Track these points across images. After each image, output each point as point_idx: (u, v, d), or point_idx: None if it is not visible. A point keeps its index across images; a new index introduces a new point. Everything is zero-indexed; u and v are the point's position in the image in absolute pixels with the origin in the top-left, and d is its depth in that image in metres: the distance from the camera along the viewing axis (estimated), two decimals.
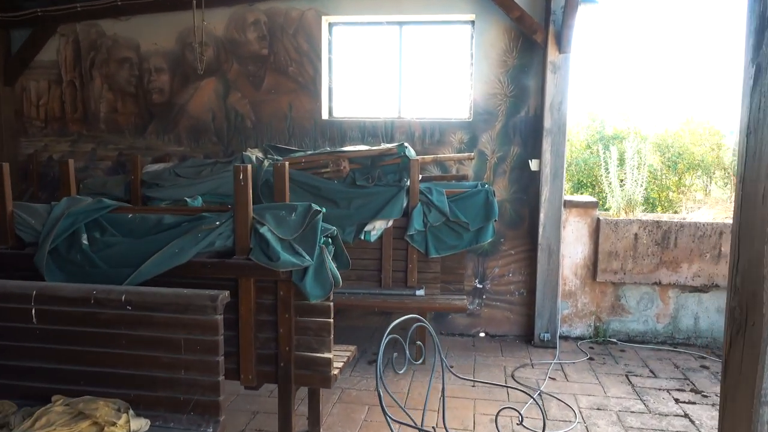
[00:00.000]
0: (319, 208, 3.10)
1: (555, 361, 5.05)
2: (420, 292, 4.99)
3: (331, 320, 3.17)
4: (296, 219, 3.07)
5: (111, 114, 6.20)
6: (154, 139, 6.14)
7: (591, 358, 5.14)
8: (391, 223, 5.04)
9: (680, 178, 8.76)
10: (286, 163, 3.37)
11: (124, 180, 5.47)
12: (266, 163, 5.13)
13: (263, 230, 2.98)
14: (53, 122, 6.32)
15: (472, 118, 5.64)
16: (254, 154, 5.29)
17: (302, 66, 5.82)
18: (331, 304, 3.15)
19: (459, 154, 5.46)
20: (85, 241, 3.13)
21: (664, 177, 8.66)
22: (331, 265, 3.10)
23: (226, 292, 2.68)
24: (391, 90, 5.91)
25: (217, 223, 3.04)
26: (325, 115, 5.89)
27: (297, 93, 5.85)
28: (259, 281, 3.12)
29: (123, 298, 2.70)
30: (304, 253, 2.98)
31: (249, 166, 3.00)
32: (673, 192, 8.62)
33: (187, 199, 3.47)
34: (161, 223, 3.17)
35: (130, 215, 3.28)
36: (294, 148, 5.64)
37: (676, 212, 7.78)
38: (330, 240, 3.23)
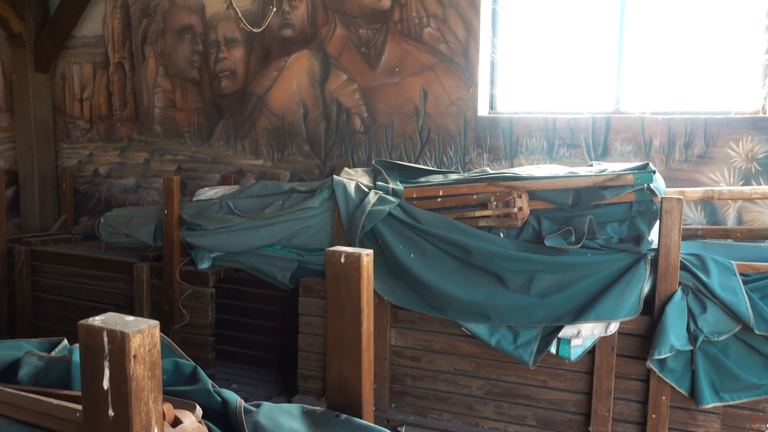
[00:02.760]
0: None
1: None
2: None
3: None
4: None
5: (168, 110, 4.26)
6: (222, 146, 4.10)
7: None
8: (615, 327, 2.46)
9: None
10: (368, 256, 0.98)
11: (157, 215, 3.44)
12: (373, 195, 2.79)
13: None
14: (99, 122, 4.53)
15: None
16: (355, 178, 2.99)
17: (447, 25, 3.41)
18: None
19: (759, 188, 2.72)
20: None
21: None
22: None
23: None
24: (602, 66, 3.32)
25: None
26: (482, 110, 3.43)
27: (436, 72, 3.46)
28: None
29: None
30: None
31: None
32: None
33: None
34: None
35: None
36: (426, 167, 3.24)
37: None
38: None
